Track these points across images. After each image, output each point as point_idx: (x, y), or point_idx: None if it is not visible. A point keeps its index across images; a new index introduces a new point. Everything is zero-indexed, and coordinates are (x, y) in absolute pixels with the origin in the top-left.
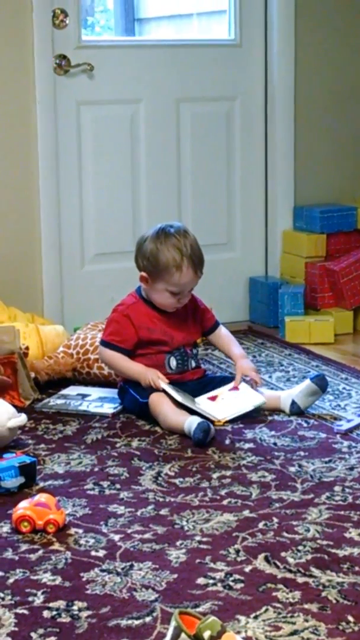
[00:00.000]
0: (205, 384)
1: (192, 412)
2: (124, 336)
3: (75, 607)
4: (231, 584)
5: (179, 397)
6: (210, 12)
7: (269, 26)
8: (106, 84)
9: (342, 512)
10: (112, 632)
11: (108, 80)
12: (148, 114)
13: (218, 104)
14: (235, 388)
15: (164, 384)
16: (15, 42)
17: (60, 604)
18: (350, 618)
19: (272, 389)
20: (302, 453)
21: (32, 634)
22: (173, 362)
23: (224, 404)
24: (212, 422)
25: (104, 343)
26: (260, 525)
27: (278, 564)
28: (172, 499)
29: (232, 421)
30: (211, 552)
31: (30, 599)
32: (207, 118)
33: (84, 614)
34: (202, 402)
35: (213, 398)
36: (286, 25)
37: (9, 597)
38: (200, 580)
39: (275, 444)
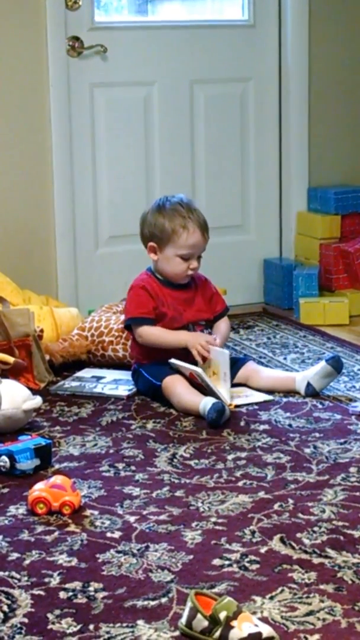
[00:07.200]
0: None
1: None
2: (148, 307)
3: (91, 588)
4: (247, 564)
5: (205, 377)
6: None
7: (283, 6)
8: (119, 66)
9: (357, 493)
10: (128, 612)
11: (121, 62)
12: (161, 96)
13: (232, 85)
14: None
15: (198, 369)
16: (28, 24)
17: (77, 585)
18: None
19: (286, 370)
20: (317, 434)
21: (49, 615)
22: None
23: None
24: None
25: (135, 320)
26: (276, 506)
27: (293, 544)
28: (188, 481)
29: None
30: (227, 533)
31: (46, 580)
32: (221, 99)
33: (100, 594)
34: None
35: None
36: (300, 5)
37: (25, 578)
38: (216, 561)
39: (290, 425)
